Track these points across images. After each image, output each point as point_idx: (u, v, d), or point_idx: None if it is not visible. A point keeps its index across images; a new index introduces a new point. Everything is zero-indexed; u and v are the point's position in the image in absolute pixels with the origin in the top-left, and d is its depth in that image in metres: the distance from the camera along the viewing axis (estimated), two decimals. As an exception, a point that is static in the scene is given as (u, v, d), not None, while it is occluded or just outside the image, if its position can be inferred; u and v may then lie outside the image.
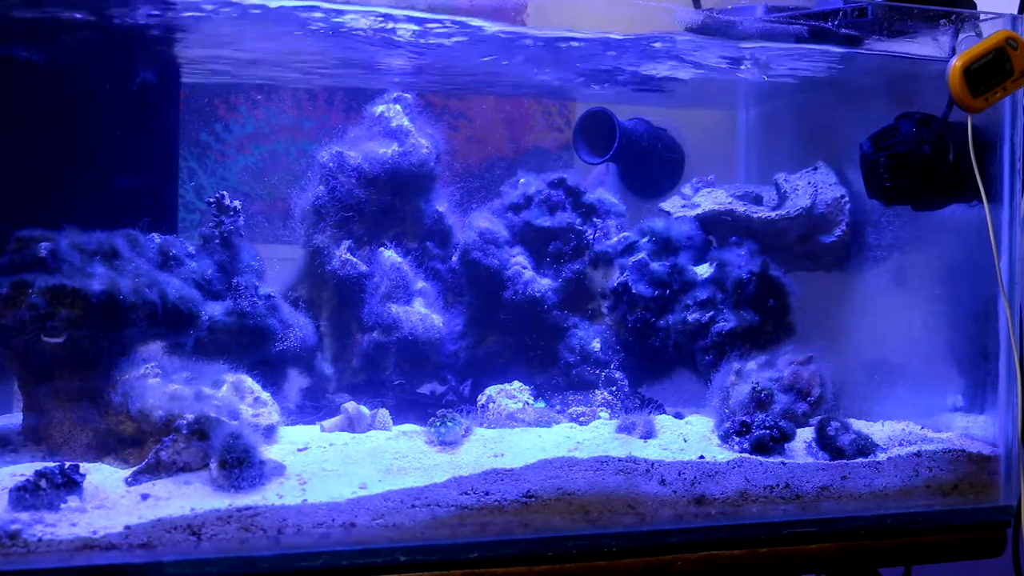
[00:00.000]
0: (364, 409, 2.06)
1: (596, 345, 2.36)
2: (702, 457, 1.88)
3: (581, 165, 2.71)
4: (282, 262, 2.32)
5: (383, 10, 2.01)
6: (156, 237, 2.04)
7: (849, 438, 1.97)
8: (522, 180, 2.49)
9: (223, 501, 1.57)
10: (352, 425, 2.03)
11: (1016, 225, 2.03)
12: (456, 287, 2.44)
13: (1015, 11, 2.06)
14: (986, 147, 2.04)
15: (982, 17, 2.05)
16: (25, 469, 1.65)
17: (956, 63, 1.89)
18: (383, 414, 2.06)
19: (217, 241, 2.16)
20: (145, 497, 1.59)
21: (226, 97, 2.65)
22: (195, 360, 1.93)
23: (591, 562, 1.73)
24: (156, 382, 1.82)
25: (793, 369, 2.15)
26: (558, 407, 2.25)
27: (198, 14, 2.01)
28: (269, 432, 1.89)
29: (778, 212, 2.44)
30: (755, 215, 2.43)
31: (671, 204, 2.54)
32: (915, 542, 1.94)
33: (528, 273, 2.39)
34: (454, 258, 2.42)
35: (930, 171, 2.09)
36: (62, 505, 1.53)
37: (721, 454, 1.92)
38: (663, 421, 2.13)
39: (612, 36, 2.22)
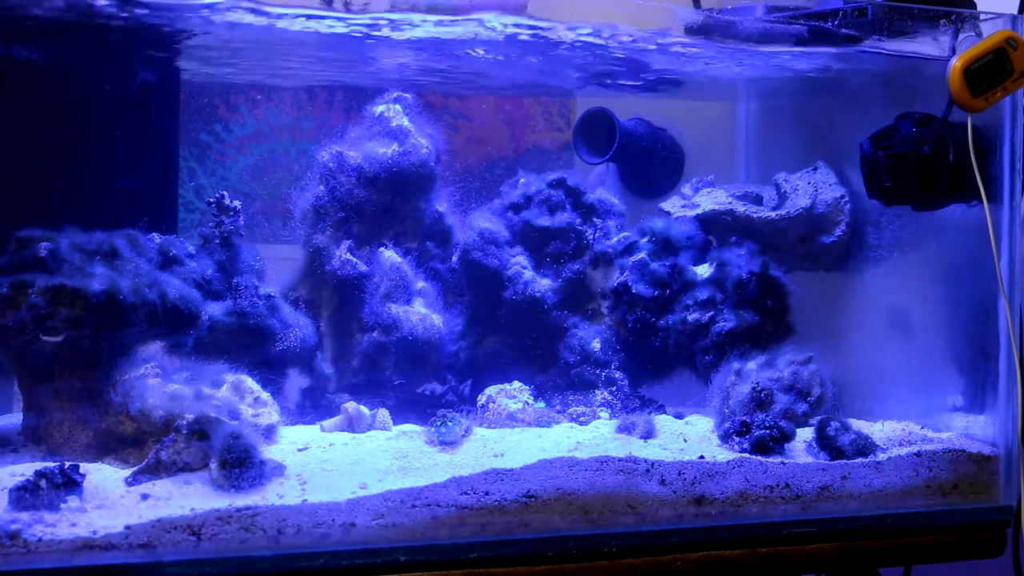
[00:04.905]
0: (364, 409, 2.06)
1: (596, 345, 2.36)
2: (702, 457, 1.88)
3: (581, 165, 2.71)
4: (282, 262, 2.32)
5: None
6: (156, 237, 2.04)
7: (849, 438, 1.97)
8: (522, 180, 2.49)
9: (223, 501, 1.57)
10: (352, 425, 2.03)
11: (1016, 225, 2.03)
12: (456, 287, 2.43)
13: (1015, 11, 2.06)
14: (986, 147, 2.04)
15: (982, 17, 2.05)
16: (25, 469, 1.65)
17: (956, 63, 1.89)
18: (383, 414, 2.06)
19: (217, 241, 2.16)
20: (145, 497, 1.59)
21: (226, 97, 2.65)
22: (195, 360, 1.94)
23: (591, 562, 1.73)
24: (156, 382, 1.82)
25: (793, 369, 2.15)
26: (558, 407, 2.25)
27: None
28: (269, 432, 1.89)
29: (778, 212, 2.44)
30: (755, 215, 2.43)
31: (671, 204, 2.54)
32: (915, 542, 1.94)
33: (528, 273, 2.39)
34: (454, 258, 2.41)
35: (930, 171, 2.08)
36: (62, 505, 1.53)
37: (721, 454, 1.92)
38: (663, 421, 2.13)
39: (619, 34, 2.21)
